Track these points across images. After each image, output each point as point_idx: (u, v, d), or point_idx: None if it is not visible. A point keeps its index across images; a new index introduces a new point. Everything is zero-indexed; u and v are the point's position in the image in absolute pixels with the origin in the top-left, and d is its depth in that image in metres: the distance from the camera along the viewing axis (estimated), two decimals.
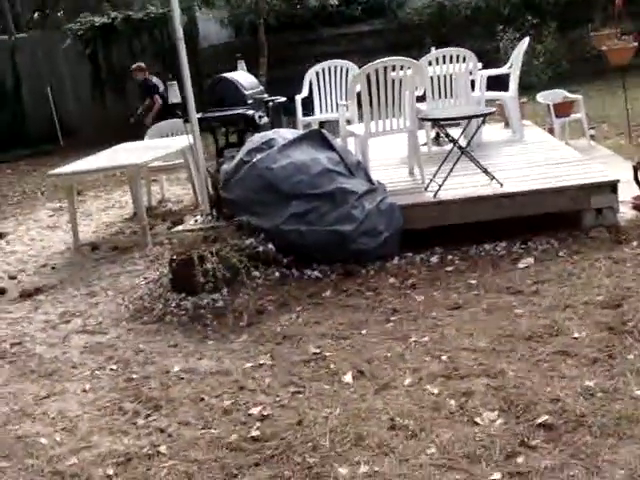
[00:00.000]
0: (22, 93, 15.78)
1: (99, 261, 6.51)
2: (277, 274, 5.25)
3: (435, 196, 5.71)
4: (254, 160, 5.46)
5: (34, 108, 15.58)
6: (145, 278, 5.80)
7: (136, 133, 8.79)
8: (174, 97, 6.33)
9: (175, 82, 6.94)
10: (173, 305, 5.09)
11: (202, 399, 3.84)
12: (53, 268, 6.57)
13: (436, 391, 3.55)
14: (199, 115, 6.17)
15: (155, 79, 11.75)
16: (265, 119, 6.78)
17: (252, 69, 7.95)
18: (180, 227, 6.26)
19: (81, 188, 8.00)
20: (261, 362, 4.17)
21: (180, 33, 5.93)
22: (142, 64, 11.82)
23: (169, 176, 8.76)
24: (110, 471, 3.35)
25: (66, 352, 4.72)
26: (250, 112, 6.66)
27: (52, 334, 5.06)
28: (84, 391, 4.17)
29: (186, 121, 6.05)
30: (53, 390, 4.24)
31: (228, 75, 7.21)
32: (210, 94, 7.14)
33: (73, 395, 4.14)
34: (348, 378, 3.83)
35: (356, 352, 4.10)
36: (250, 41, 14.26)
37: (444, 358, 3.88)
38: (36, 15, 31.18)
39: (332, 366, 3.98)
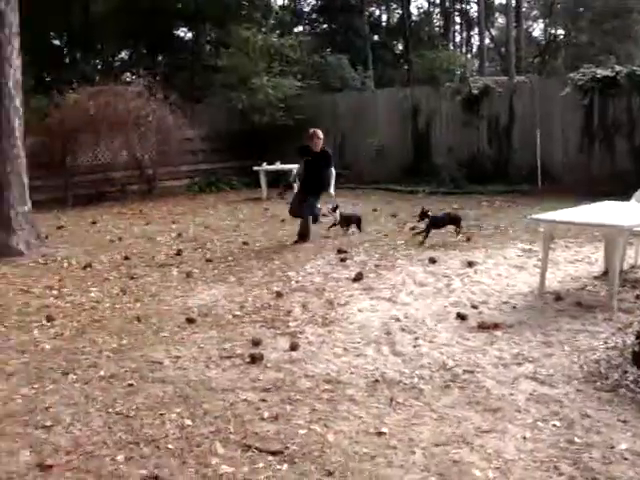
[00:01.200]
0: (513, 133, 16.38)
1: (560, 312, 6.44)
2: None
3: None
4: None
5: (520, 149, 16.08)
6: (605, 342, 5.59)
7: (618, 191, 8.53)
8: None
9: None
10: (630, 379, 4.83)
11: None
12: (514, 307, 6.68)
13: None
14: None
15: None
16: None
17: None
18: None
19: (553, 236, 8.00)
20: None
21: None
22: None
23: None
24: None
25: (513, 394, 4.77)
26: None
27: (502, 372, 5.16)
28: (524, 438, 4.17)
29: None
30: (495, 427, 4.32)
31: None
32: None
33: (512, 438, 4.18)
34: None
35: None
36: None
37: None
38: (536, 60, 32.28)
39: None
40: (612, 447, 4.01)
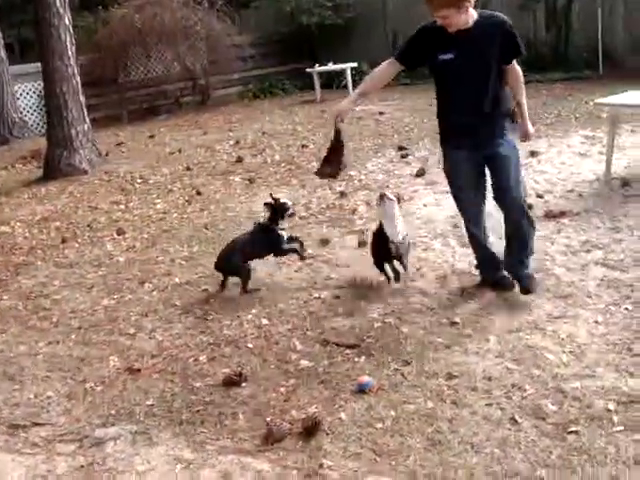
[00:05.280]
0: (572, 13, 15.62)
1: (628, 198, 6.34)
2: None
3: None
4: None
5: (580, 31, 15.35)
6: None
7: None
8: None
9: None
10: None
11: None
12: (580, 195, 6.60)
13: None
14: None
15: None
16: None
17: None
18: None
19: (618, 120, 7.75)
20: None
21: None
22: None
23: None
24: (611, 406, 3.38)
25: (583, 280, 4.78)
26: None
27: (572, 259, 5.16)
28: (595, 322, 4.21)
29: None
30: (566, 313, 4.36)
31: None
32: None
33: (584, 323, 4.22)
34: None
35: None
36: None
37: None
38: None
39: None
40: None
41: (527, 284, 4.60)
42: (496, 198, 4.58)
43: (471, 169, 4.56)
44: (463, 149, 4.52)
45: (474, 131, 4.45)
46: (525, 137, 4.69)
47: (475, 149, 4.48)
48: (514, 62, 4.53)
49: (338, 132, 4.70)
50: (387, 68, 4.66)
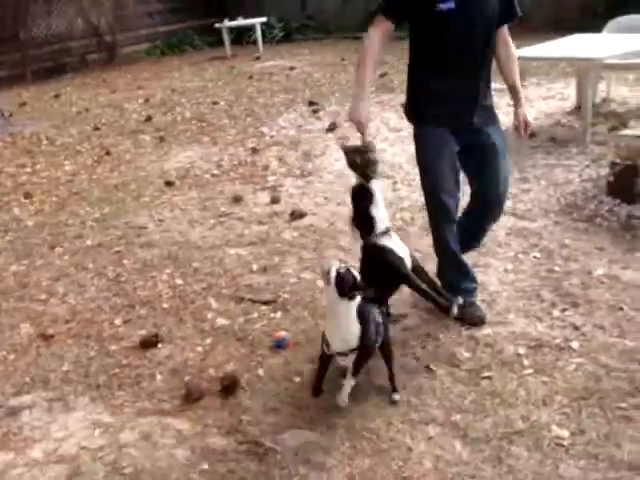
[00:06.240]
0: None
1: (535, 149, 6.51)
2: None
3: None
4: None
5: None
6: (580, 175, 5.70)
7: (593, 25, 8.34)
8: None
9: None
10: (606, 209, 4.98)
11: (621, 308, 3.78)
12: None
13: None
14: None
15: None
16: None
17: None
18: (628, 131, 5.97)
19: (524, 73, 7.88)
20: None
21: None
22: None
23: (618, 75, 8.26)
24: (521, 351, 3.50)
25: (493, 230, 4.83)
26: None
27: None
28: (506, 270, 4.35)
29: None
30: (477, 262, 4.45)
31: None
32: None
33: (495, 271, 4.34)
34: None
35: None
36: None
37: None
38: None
39: None
40: (590, 273, 4.18)
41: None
42: (477, 194, 3.83)
43: (453, 154, 3.64)
44: (446, 125, 3.60)
45: (469, 104, 3.59)
46: (525, 129, 3.82)
47: (461, 130, 3.61)
48: (505, 29, 3.65)
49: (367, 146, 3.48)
50: (380, 34, 3.53)
